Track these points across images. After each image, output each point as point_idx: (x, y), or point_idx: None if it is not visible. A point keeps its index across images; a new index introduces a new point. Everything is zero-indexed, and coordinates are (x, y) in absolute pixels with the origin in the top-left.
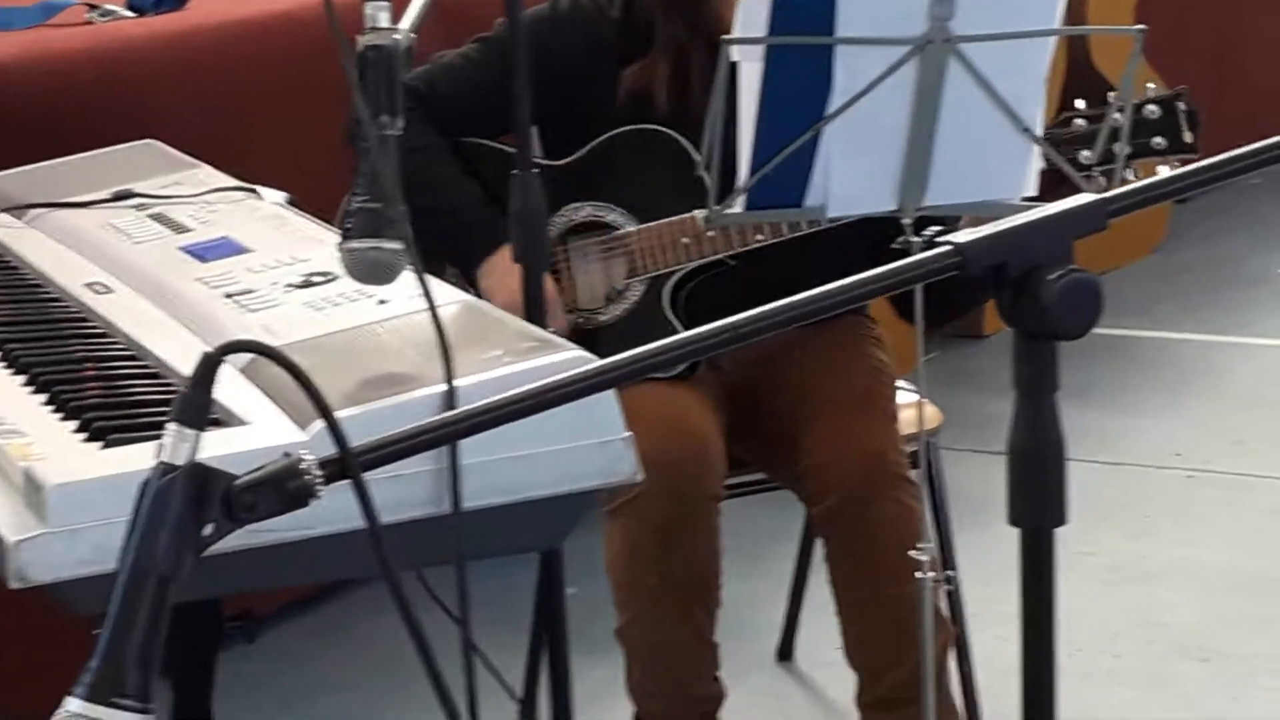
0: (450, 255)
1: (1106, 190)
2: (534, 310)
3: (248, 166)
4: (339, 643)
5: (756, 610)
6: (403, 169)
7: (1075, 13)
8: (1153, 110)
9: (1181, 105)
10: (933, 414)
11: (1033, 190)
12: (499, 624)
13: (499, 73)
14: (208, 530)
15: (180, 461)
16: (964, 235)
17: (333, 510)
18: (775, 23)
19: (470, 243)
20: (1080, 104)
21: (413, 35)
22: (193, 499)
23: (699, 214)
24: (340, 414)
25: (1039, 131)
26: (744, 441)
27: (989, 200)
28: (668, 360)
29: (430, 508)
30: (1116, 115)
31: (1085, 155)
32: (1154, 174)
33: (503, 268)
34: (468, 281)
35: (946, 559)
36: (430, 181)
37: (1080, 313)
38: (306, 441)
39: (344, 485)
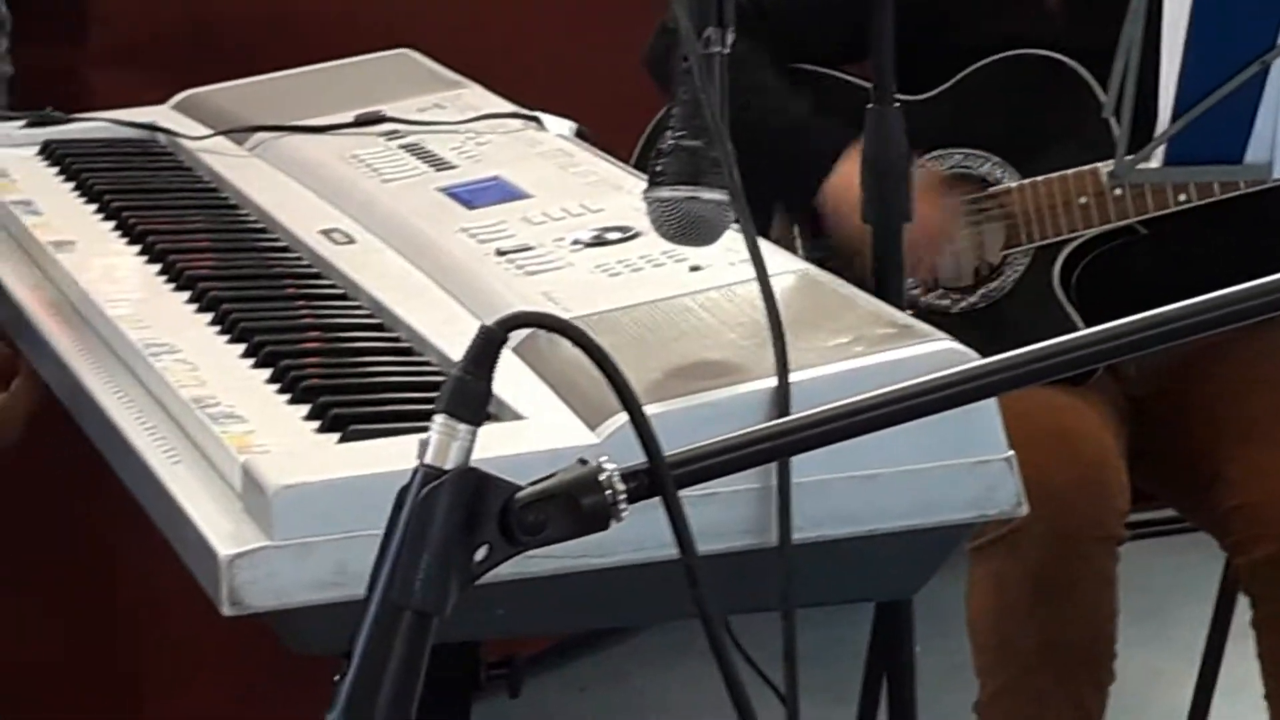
0: (779, 179)
1: None
2: (890, 284)
3: (527, 87)
4: (616, 700)
5: (1157, 689)
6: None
7: None
8: None
9: None
10: None
11: None
12: (818, 692)
13: None
14: (479, 555)
15: (449, 465)
16: None
17: (626, 535)
18: None
19: (807, 154)
20: None
21: None
22: (464, 515)
23: (1103, 167)
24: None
25: None
26: (1150, 469)
27: None
28: (1069, 363)
29: (751, 538)
30: None
31: None
32: None
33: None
34: (802, 217)
35: None
36: (751, 87)
37: None
38: (598, 445)
39: (649, 505)
